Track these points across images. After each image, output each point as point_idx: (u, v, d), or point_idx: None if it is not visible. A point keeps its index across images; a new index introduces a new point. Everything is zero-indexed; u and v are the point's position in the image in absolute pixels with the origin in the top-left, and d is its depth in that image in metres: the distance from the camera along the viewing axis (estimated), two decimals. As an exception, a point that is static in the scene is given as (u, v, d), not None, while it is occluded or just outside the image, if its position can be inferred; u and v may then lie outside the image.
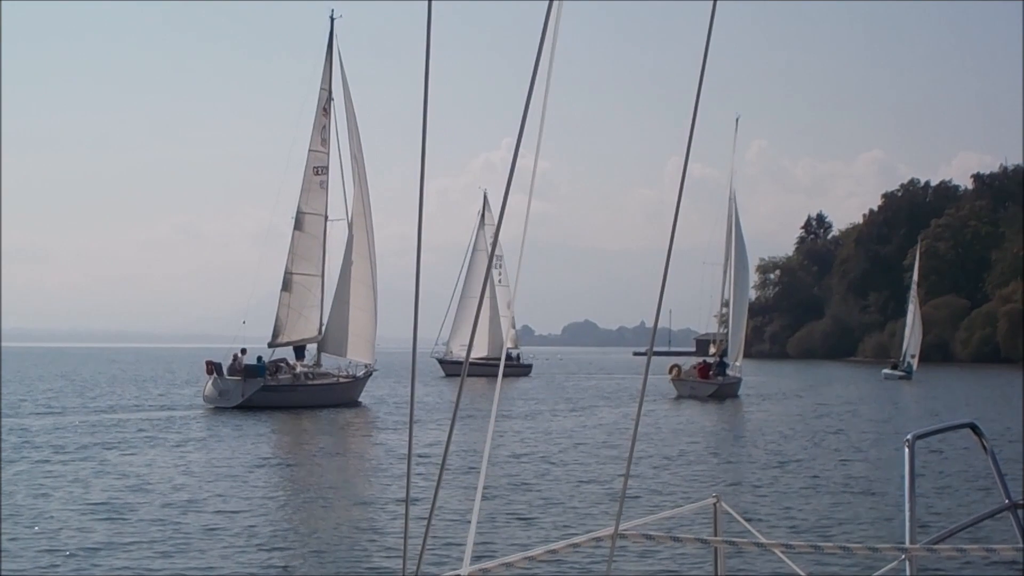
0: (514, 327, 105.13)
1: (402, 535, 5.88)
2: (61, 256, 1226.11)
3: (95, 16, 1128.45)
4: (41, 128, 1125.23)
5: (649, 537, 7.00)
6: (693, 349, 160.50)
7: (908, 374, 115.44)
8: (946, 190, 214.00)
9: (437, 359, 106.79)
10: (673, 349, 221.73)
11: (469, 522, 5.76)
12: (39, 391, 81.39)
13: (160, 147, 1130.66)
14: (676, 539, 6.95)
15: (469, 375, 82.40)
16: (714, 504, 8.11)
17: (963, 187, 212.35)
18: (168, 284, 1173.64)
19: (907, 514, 7.30)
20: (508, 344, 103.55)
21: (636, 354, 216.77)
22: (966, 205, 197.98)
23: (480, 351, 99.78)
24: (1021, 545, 7.41)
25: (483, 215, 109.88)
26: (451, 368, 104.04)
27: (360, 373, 67.07)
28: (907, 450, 7.53)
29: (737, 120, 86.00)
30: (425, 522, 5.51)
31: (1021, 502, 8.46)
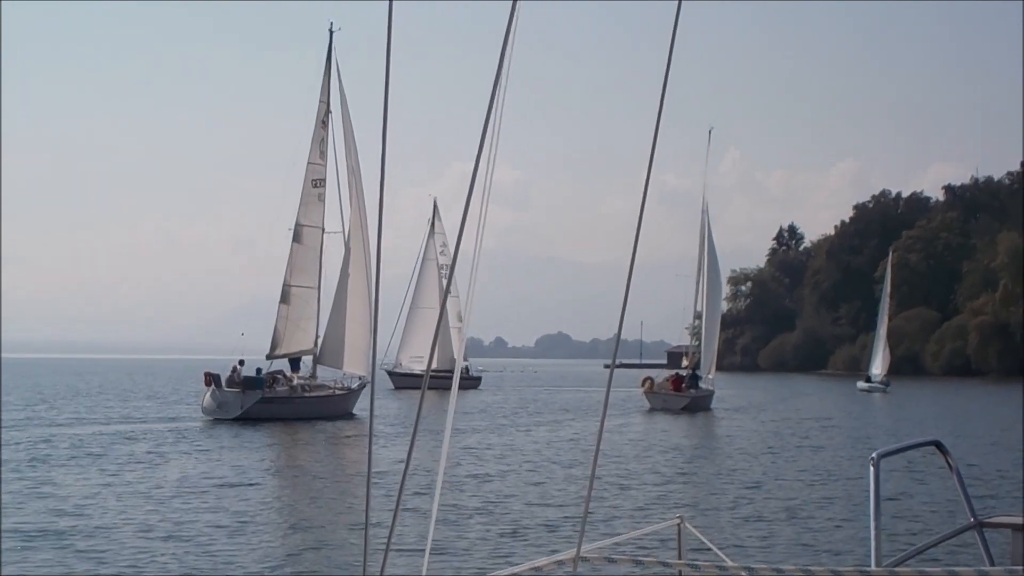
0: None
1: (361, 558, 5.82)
2: (35, 263, 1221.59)
3: (74, 19, 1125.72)
4: (18, 131, 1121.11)
5: (611, 560, 6.92)
6: (665, 361, 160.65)
7: (885, 387, 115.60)
8: (917, 201, 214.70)
9: (386, 371, 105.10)
10: (645, 361, 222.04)
11: (425, 544, 5.69)
12: (36, 402, 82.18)
13: (136, 152, 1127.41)
14: (638, 562, 6.87)
15: (414, 388, 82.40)
16: (678, 525, 8.04)
17: (934, 198, 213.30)
18: (145, 294, 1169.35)
19: (872, 534, 7.22)
20: (459, 356, 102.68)
21: (607, 367, 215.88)
22: (937, 216, 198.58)
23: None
24: (985, 566, 7.36)
25: (433, 224, 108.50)
26: (400, 381, 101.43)
27: (355, 385, 67.31)
28: (872, 469, 7.47)
29: (710, 132, 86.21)
30: (384, 541, 5.45)
31: (985, 520, 8.40)
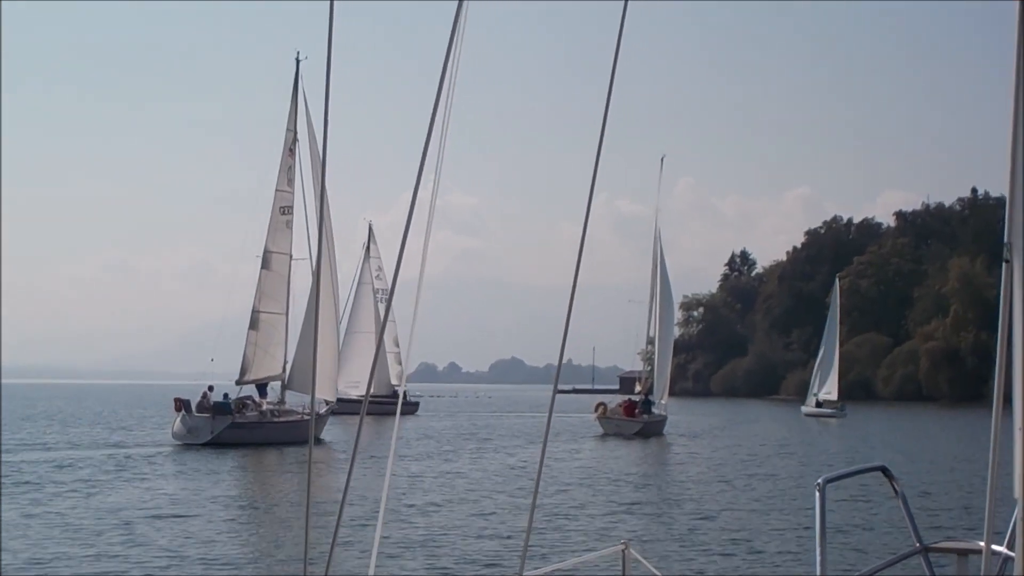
0: (399, 363, 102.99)
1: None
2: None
3: (21, 47, 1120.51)
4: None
5: None
6: (617, 387, 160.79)
7: (839, 411, 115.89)
8: (869, 227, 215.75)
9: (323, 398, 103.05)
10: (597, 387, 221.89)
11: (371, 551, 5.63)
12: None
13: (85, 183, 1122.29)
14: None
15: (350, 413, 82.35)
16: (623, 551, 7.97)
17: (886, 224, 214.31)
18: (95, 321, 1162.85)
19: (818, 560, 7.16)
20: (394, 381, 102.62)
21: (560, 392, 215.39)
22: (888, 242, 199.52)
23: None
24: None
25: (368, 248, 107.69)
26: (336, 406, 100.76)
27: (322, 410, 67.48)
28: (817, 495, 7.41)
29: (663, 159, 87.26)
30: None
31: (931, 545, 8.37)
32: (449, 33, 5.54)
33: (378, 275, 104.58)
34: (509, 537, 29.62)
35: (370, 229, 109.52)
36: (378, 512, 6.22)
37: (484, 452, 63.07)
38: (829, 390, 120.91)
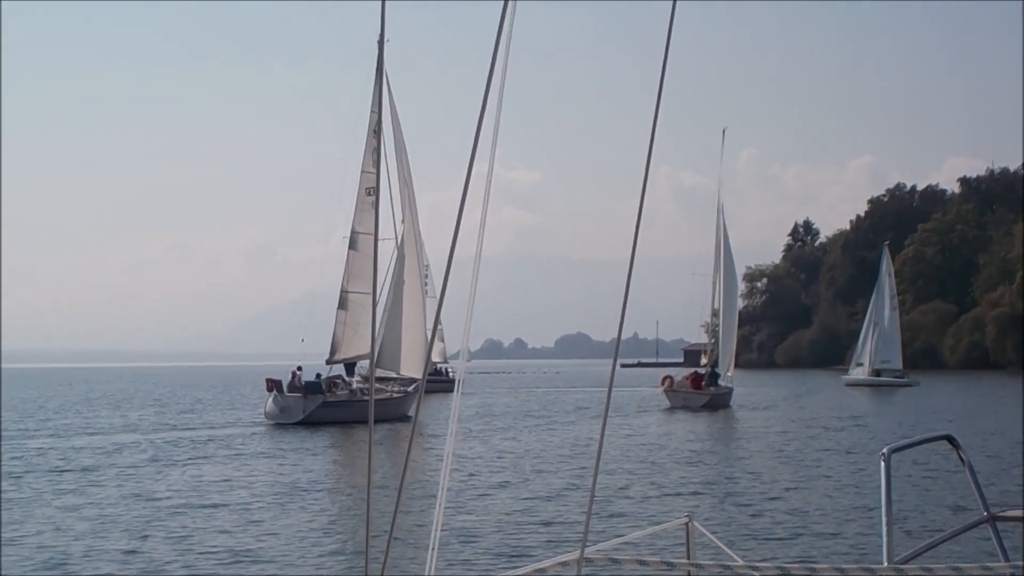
0: (442, 340, 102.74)
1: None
2: (52, 277, 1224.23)
3: (89, 32, 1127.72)
4: (35, 148, 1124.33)
5: (615, 561, 6.82)
6: (681, 360, 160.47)
7: (901, 377, 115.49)
8: (933, 194, 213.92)
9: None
10: (661, 360, 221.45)
11: (429, 547, 5.64)
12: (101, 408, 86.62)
13: (150, 166, 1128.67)
14: (642, 562, 6.76)
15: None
16: (686, 524, 7.93)
17: (950, 191, 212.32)
18: (161, 303, 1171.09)
19: (883, 530, 7.12)
20: (436, 358, 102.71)
21: (625, 366, 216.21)
22: (952, 209, 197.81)
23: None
24: (995, 561, 7.25)
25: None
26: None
27: (411, 388, 68.37)
28: (883, 464, 7.37)
29: (724, 132, 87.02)
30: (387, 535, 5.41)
31: (998, 514, 8.29)
32: (502, 5, 5.51)
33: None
34: (574, 510, 29.65)
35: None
36: (439, 491, 6.20)
37: (547, 427, 63.20)
38: (887, 358, 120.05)
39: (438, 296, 6.31)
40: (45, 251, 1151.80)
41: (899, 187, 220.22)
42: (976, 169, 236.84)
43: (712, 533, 8.13)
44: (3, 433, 59.29)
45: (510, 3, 5.44)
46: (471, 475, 38.05)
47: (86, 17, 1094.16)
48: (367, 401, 65.49)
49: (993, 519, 8.14)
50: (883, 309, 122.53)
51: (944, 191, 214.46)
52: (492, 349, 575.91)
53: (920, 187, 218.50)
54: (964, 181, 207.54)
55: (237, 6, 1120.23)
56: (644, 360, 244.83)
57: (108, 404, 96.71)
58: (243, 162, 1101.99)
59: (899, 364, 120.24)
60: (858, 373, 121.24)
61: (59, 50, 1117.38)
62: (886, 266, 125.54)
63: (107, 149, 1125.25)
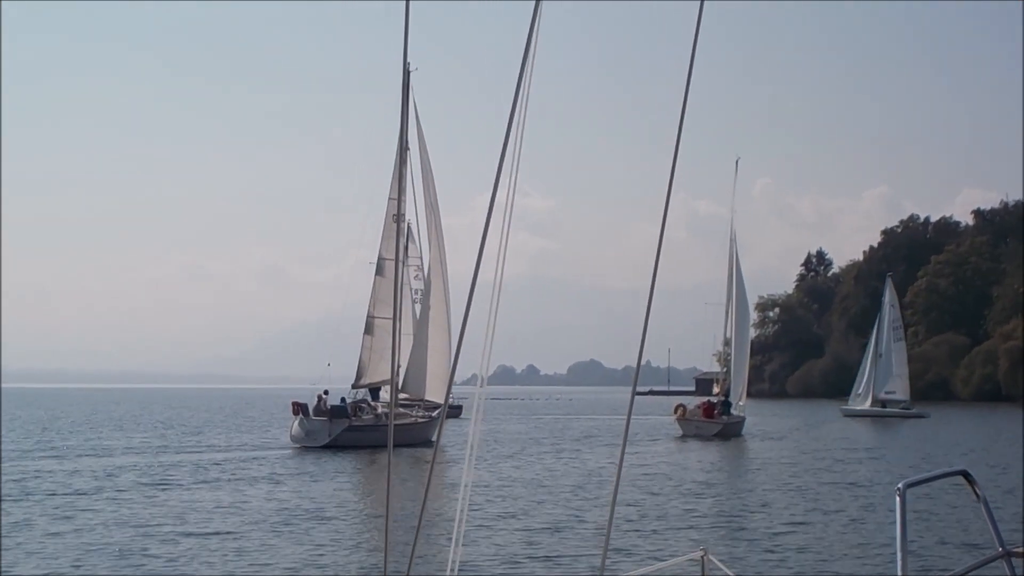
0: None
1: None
2: (64, 296, 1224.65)
3: (103, 52, 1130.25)
4: (44, 167, 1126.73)
5: None
6: (692, 388, 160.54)
7: (906, 409, 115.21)
8: (946, 226, 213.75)
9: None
10: (673, 388, 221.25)
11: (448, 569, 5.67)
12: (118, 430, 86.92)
13: (156, 186, 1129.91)
14: None
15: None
16: (702, 557, 7.96)
17: (964, 223, 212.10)
18: (174, 323, 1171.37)
19: (899, 566, 7.14)
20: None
21: (637, 394, 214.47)
22: (966, 241, 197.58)
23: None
24: None
25: (407, 248, 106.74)
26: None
27: (435, 414, 68.61)
28: (898, 499, 7.38)
29: (737, 162, 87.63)
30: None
31: (1013, 550, 8.29)
32: (526, 38, 5.56)
33: (416, 275, 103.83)
34: (587, 542, 29.59)
35: (408, 229, 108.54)
36: (458, 514, 6.24)
37: (561, 455, 63.13)
38: (891, 389, 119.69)
39: (463, 320, 6.36)
40: (56, 270, 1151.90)
41: (913, 218, 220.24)
42: (990, 201, 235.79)
43: (727, 566, 8.16)
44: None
45: (534, 32, 5.50)
46: (486, 501, 38.06)
47: (104, 32, 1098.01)
48: (394, 425, 65.81)
49: (1008, 555, 8.14)
50: (885, 340, 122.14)
51: (958, 223, 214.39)
52: (505, 375, 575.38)
53: (934, 219, 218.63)
54: (978, 213, 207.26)
55: (252, 29, 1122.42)
56: (656, 388, 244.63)
57: (149, 425, 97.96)
58: (256, 182, 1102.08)
59: (905, 395, 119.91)
60: (857, 404, 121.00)
61: (72, 66, 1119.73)
62: (889, 296, 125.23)
63: (116, 167, 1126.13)
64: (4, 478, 46.27)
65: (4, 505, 37.04)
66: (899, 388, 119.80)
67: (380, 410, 67.59)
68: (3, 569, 25.39)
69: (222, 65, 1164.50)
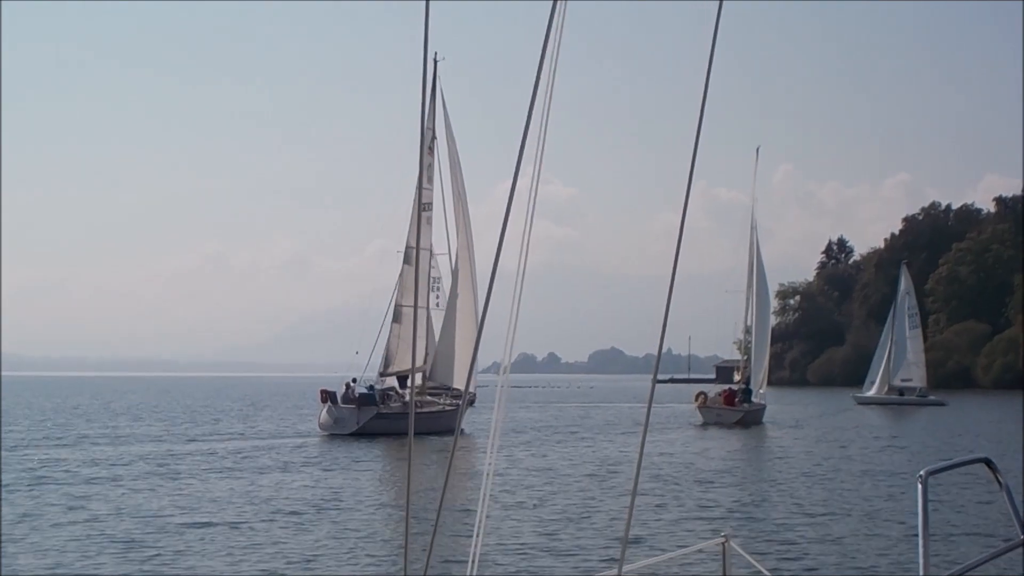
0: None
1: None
2: (83, 286, 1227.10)
3: (126, 44, 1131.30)
4: (70, 156, 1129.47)
5: None
6: (713, 376, 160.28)
7: (923, 397, 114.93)
8: (968, 213, 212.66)
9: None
10: (693, 376, 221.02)
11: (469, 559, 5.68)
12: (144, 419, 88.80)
13: (186, 178, 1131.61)
14: None
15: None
16: (723, 544, 7.96)
17: (985, 210, 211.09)
18: (195, 313, 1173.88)
19: (920, 552, 7.13)
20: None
21: (658, 382, 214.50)
22: (988, 228, 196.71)
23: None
24: None
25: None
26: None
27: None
28: (920, 487, 7.37)
29: (758, 150, 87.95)
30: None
31: None
32: (546, 26, 5.56)
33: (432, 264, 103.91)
34: (608, 529, 29.60)
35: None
36: (479, 506, 6.25)
37: (583, 442, 63.21)
38: (907, 376, 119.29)
39: (482, 311, 6.38)
40: (78, 261, 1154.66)
41: (934, 206, 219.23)
42: (1012, 188, 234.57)
43: (749, 553, 8.15)
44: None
45: (555, 21, 5.50)
46: (504, 491, 38.02)
47: (136, 26, 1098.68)
48: (419, 413, 66.81)
49: (1031, 542, 8.12)
50: (902, 327, 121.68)
51: (979, 210, 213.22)
52: (526, 363, 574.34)
53: (955, 206, 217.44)
54: (1000, 200, 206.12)
55: (278, 23, 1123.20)
56: (676, 376, 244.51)
57: (190, 414, 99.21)
58: (281, 173, 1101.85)
59: (922, 382, 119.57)
60: (871, 391, 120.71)
61: (99, 58, 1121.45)
62: (905, 284, 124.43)
63: (140, 160, 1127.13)
64: (24, 466, 46.46)
65: (32, 492, 37.23)
66: (915, 375, 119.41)
67: (407, 398, 67.41)
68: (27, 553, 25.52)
69: (243, 61, 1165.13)
